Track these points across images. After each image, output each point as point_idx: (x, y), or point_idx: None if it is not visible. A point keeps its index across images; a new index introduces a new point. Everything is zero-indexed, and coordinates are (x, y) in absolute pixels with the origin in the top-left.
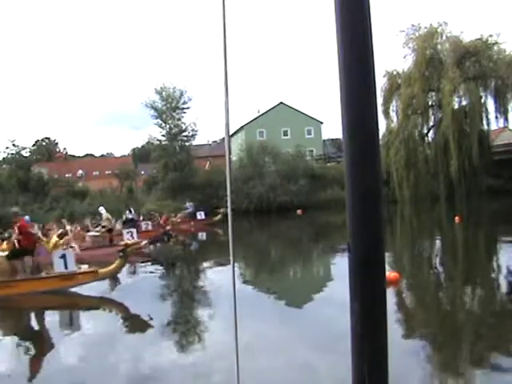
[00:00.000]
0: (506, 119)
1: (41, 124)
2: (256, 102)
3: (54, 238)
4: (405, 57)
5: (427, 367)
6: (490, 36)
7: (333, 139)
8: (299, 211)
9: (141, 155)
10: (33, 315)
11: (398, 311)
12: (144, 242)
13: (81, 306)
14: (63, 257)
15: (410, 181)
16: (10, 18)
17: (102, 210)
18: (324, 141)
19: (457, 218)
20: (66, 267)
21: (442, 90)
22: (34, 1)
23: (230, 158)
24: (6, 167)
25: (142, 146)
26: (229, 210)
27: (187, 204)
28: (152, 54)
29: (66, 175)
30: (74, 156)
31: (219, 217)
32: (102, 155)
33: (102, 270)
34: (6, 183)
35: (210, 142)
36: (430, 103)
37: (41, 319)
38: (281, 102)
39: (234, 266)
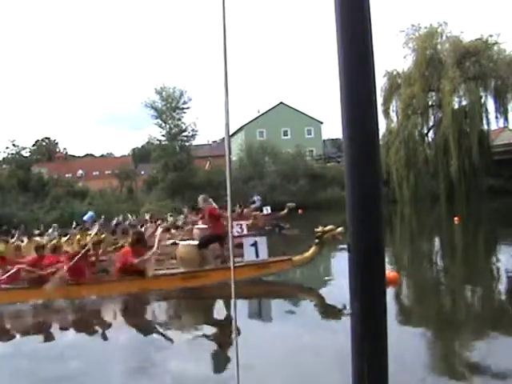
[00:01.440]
0: (506, 119)
1: (41, 124)
2: (256, 101)
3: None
4: (405, 57)
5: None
6: (490, 36)
7: (333, 139)
8: (300, 211)
9: (141, 155)
10: (221, 305)
11: (397, 310)
12: (340, 229)
13: (272, 294)
14: (254, 244)
15: (409, 181)
16: (10, 17)
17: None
18: (324, 141)
19: (456, 218)
20: (257, 255)
21: (442, 90)
22: (34, 1)
23: (230, 158)
24: (5, 167)
25: (142, 146)
26: (228, 210)
27: (255, 198)
28: (152, 54)
29: (66, 175)
30: (74, 156)
31: (285, 211)
32: (102, 155)
33: (296, 258)
34: (5, 183)
35: (210, 142)
36: (430, 103)
37: (229, 309)
38: (281, 102)
39: (233, 265)
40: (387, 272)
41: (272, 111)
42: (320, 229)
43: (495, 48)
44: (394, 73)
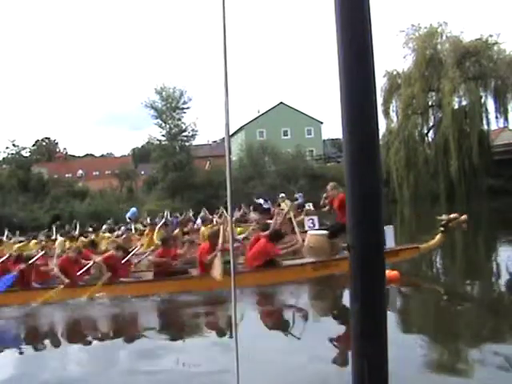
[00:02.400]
0: (506, 119)
1: (41, 124)
2: (256, 101)
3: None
4: (405, 57)
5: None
6: (490, 36)
7: (333, 139)
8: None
9: (141, 155)
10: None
11: (397, 310)
12: (464, 217)
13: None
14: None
15: (409, 181)
16: (10, 17)
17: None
18: (324, 141)
19: None
20: (384, 244)
21: (442, 90)
22: (34, 1)
23: (230, 158)
24: (5, 167)
25: (142, 146)
26: (229, 211)
27: (297, 195)
28: (152, 54)
29: (66, 175)
30: (74, 156)
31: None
32: (102, 155)
33: (423, 246)
34: (6, 183)
35: (210, 142)
36: (430, 103)
37: None
38: (281, 102)
39: (233, 264)
40: (387, 271)
41: (272, 111)
42: (444, 217)
43: (495, 48)
44: (394, 73)
